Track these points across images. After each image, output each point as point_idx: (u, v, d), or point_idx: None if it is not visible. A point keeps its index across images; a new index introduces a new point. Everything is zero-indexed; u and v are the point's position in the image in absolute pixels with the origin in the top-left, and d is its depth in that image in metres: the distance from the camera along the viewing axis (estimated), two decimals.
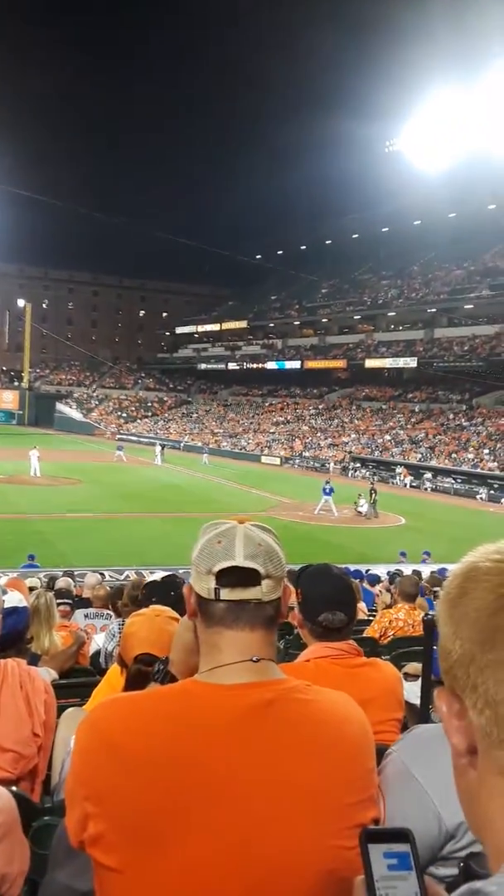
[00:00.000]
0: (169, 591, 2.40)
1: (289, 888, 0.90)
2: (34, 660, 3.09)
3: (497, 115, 44.90)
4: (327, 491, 24.47)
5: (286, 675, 1.04)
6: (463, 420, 42.25)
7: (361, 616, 6.13)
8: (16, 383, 66.22)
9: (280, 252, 71.57)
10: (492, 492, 32.14)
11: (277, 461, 43.60)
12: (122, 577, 11.01)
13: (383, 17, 64.72)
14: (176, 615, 1.72)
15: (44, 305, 77.32)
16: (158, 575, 2.71)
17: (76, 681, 3.26)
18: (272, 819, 0.90)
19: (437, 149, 49.68)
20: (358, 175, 58.94)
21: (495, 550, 0.60)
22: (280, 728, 0.95)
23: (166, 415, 63.12)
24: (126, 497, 25.55)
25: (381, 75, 56.97)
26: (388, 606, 6.64)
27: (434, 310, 51.61)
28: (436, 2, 53.49)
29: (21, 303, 68.32)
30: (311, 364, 56.48)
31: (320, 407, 53.90)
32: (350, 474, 38.18)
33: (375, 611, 7.15)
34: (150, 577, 2.79)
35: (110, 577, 11.38)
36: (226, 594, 0.99)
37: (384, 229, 60.54)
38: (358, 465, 39.94)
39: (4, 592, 2.35)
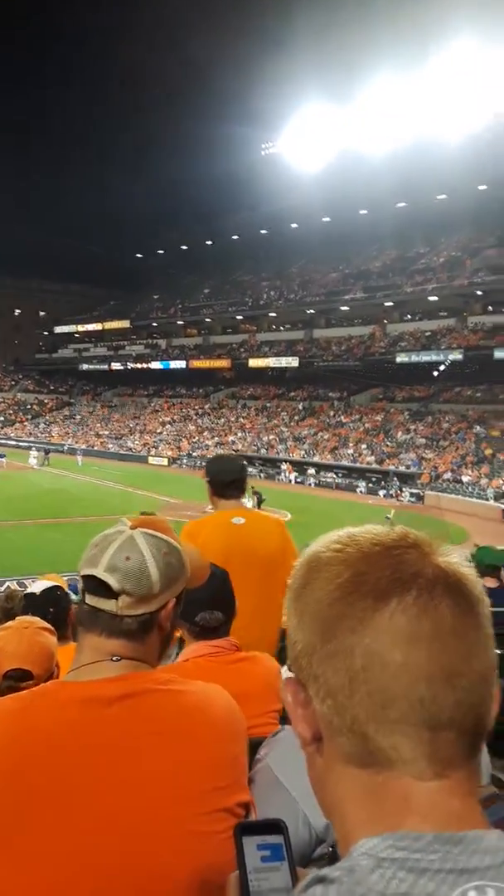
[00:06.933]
0: (48, 608, 2.29)
1: (150, 876, 0.88)
2: None
3: (366, 124, 47.32)
4: None
5: (175, 674, 1.05)
6: (342, 417, 44.10)
7: None
8: None
9: (161, 252, 70.92)
10: (370, 485, 33.85)
11: (165, 461, 43.30)
12: (2, 589, 10.48)
13: (261, 25, 66.07)
14: (47, 625, 1.67)
15: None
16: (39, 586, 2.49)
17: None
18: (123, 809, 0.89)
19: (312, 154, 51.52)
20: (237, 177, 59.63)
21: (336, 540, 0.60)
22: (135, 719, 0.95)
23: (47, 417, 60.73)
24: (3, 503, 24.32)
25: (259, 79, 58.02)
26: None
27: (312, 311, 53.43)
28: (310, 14, 55.28)
29: None
30: (195, 364, 56.56)
31: (206, 406, 54.12)
32: None
33: None
34: (30, 588, 2.55)
35: None
36: (88, 599, 1.00)
37: (263, 231, 61.72)
38: (244, 462, 40.50)
39: None
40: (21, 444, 48.92)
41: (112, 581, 0.97)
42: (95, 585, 0.99)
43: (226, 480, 2.89)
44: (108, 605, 0.98)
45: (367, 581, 0.55)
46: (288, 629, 0.60)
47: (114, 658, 0.99)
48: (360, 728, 0.53)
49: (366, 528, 0.60)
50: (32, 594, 2.41)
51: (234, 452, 42.76)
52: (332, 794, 0.57)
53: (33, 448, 41.03)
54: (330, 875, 0.49)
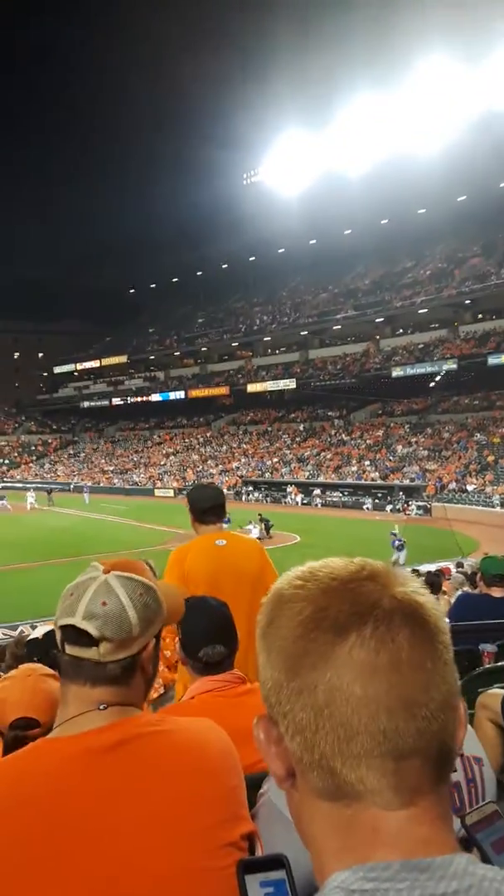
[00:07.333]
0: (50, 649, 2.32)
1: None
2: None
3: (344, 146, 48.39)
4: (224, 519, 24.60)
5: (165, 714, 1.07)
6: (343, 435, 44.29)
7: None
8: None
9: (153, 285, 71.91)
10: (376, 501, 33.89)
11: (171, 493, 43.42)
12: (18, 633, 10.58)
13: (240, 56, 67.88)
14: (50, 671, 1.66)
15: None
16: (41, 630, 2.50)
17: None
18: (132, 854, 0.89)
19: (294, 179, 52.63)
20: (222, 208, 60.76)
21: (297, 577, 0.60)
22: (133, 764, 0.94)
23: (52, 457, 61.10)
24: (13, 546, 24.44)
25: (239, 112, 59.59)
26: None
27: (305, 332, 53.99)
28: (281, 46, 56.83)
29: None
30: (194, 393, 57.04)
31: (208, 435, 54.43)
32: (244, 498, 38.77)
33: None
34: (32, 633, 2.56)
35: (3, 634, 10.89)
36: (68, 649, 0.99)
37: (251, 258, 62.66)
38: (250, 488, 40.64)
39: None
40: (28, 485, 49.16)
41: (91, 628, 0.96)
42: (74, 635, 0.98)
43: (204, 507, 3.07)
44: (89, 653, 0.97)
45: (328, 616, 0.55)
46: (258, 667, 0.60)
47: (101, 706, 0.97)
48: (328, 763, 0.53)
49: (325, 563, 0.60)
50: (35, 639, 2.41)
51: (239, 479, 42.99)
52: (308, 828, 0.58)
53: (31, 489, 41.16)
54: None
